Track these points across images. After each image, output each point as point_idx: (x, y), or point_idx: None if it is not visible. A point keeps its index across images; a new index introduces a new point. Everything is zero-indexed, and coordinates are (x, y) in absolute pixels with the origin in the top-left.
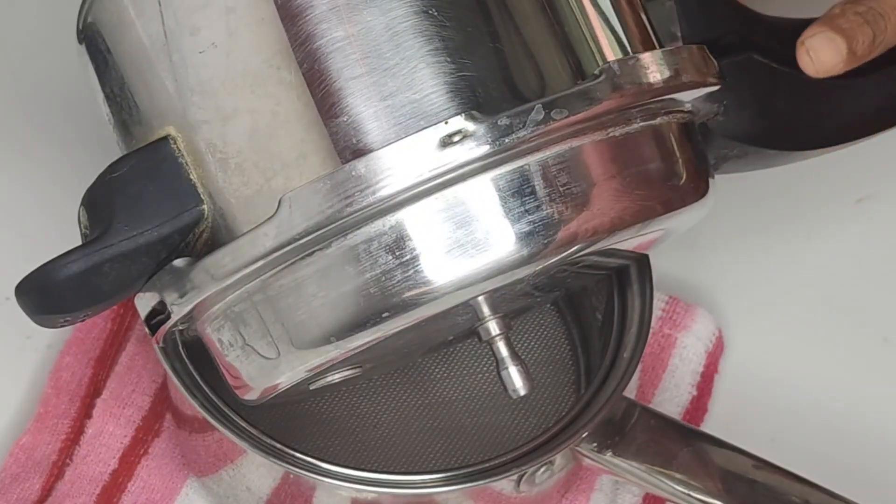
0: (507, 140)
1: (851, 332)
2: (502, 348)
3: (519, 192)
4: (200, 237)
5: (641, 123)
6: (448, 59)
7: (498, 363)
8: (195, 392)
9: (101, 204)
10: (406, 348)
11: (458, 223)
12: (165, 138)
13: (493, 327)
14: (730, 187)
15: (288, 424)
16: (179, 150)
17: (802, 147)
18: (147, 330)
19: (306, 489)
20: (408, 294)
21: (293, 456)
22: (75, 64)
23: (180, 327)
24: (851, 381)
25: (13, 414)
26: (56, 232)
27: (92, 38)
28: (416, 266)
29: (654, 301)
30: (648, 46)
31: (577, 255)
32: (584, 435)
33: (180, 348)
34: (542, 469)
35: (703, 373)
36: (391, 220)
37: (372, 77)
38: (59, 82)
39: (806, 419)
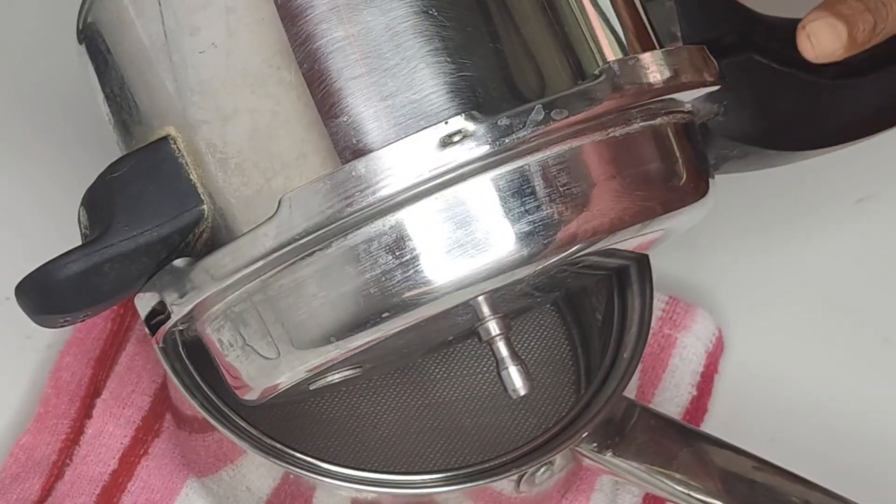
0: (507, 140)
1: (851, 332)
2: (502, 348)
3: (519, 192)
4: (200, 237)
5: (641, 124)
6: (448, 60)
7: (498, 363)
8: (195, 392)
9: (101, 204)
10: (406, 348)
11: (458, 223)
12: (165, 138)
13: (493, 327)
14: (730, 187)
15: (288, 424)
16: (179, 150)
17: (802, 147)
18: (147, 330)
19: (306, 489)
20: (408, 294)
21: (293, 456)
22: (75, 64)
23: (180, 327)
24: (851, 381)
25: (13, 414)
26: (56, 232)
27: (92, 38)
28: (416, 266)
29: (654, 301)
30: (648, 46)
31: (577, 255)
32: (584, 435)
33: (180, 348)
34: (542, 469)
35: (703, 373)
36: (391, 220)
37: (372, 77)
38: (59, 82)
39: (806, 419)
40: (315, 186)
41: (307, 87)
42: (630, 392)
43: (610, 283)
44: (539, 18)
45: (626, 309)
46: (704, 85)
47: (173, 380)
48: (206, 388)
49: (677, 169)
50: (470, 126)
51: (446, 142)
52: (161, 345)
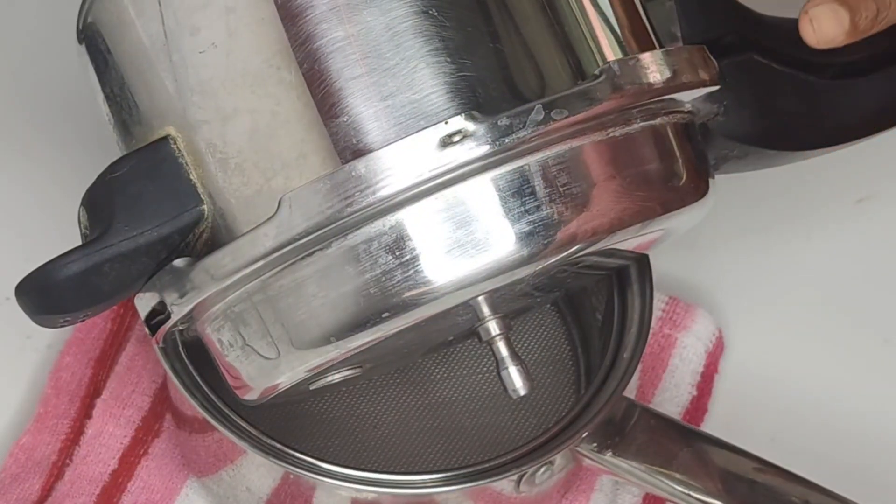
0: (507, 140)
1: (851, 332)
2: (502, 348)
3: (519, 192)
4: (200, 237)
5: (641, 124)
6: (448, 60)
7: (498, 363)
8: (195, 392)
9: (101, 204)
10: (406, 348)
11: (458, 223)
12: (165, 138)
13: (493, 327)
14: (730, 187)
15: (288, 425)
16: (179, 150)
17: (802, 147)
18: (147, 330)
19: (306, 489)
20: (408, 294)
21: (293, 456)
22: (75, 64)
23: (180, 327)
24: (851, 381)
25: (13, 414)
26: (56, 232)
27: (92, 38)
28: (416, 266)
29: (654, 301)
30: (648, 46)
31: (577, 255)
32: (584, 435)
33: (180, 348)
34: (542, 469)
35: (703, 373)
36: (391, 220)
37: (372, 77)
38: (59, 82)
39: (806, 419)
40: (315, 186)
41: (307, 87)
42: (630, 392)
43: (610, 283)
44: (539, 18)
45: (626, 309)
46: (704, 85)
47: (173, 380)
48: (206, 388)
49: (677, 169)
50: (470, 126)
51: (446, 142)
52: (161, 345)
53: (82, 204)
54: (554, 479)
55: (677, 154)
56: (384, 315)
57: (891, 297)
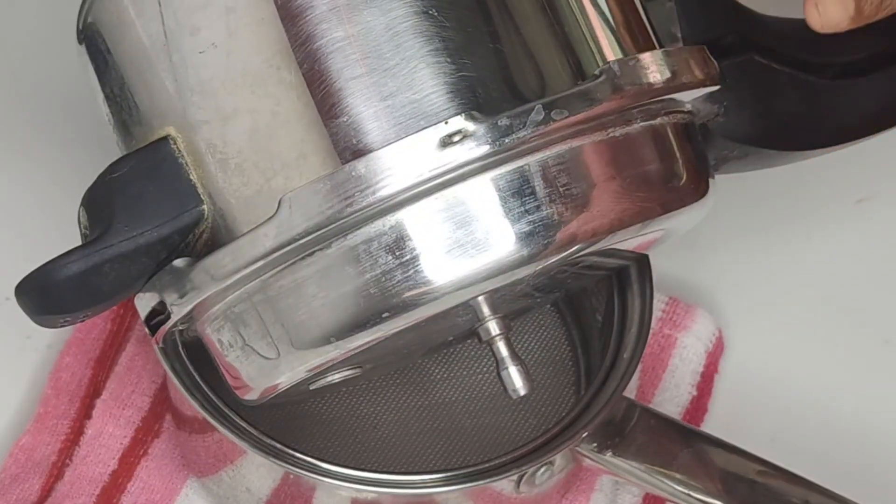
0: (507, 140)
1: (851, 332)
2: (502, 348)
3: (519, 193)
4: (200, 237)
5: (641, 124)
6: (448, 60)
7: (498, 363)
8: (195, 392)
9: (101, 204)
10: (406, 349)
11: (458, 223)
12: (165, 138)
13: (493, 327)
14: (730, 187)
15: (288, 425)
16: (179, 151)
17: (802, 147)
18: (147, 330)
19: (306, 489)
20: (408, 294)
21: (293, 456)
22: (75, 64)
23: (180, 328)
24: (851, 382)
25: (13, 414)
26: (56, 232)
27: (92, 38)
28: (416, 266)
29: (654, 301)
30: (648, 46)
31: (577, 255)
32: (584, 435)
33: (180, 349)
34: (542, 469)
35: (703, 373)
36: (391, 220)
37: (372, 77)
38: (59, 82)
39: (806, 419)
40: (315, 187)
41: (307, 88)
42: (630, 392)
43: (610, 284)
44: (539, 19)
45: (626, 309)
46: (704, 85)
47: (173, 380)
48: (206, 388)
49: (677, 169)
50: (470, 126)
51: (446, 142)
52: (161, 345)
53: (82, 204)
54: (554, 479)
55: (677, 154)
56: (384, 315)
57: (891, 297)
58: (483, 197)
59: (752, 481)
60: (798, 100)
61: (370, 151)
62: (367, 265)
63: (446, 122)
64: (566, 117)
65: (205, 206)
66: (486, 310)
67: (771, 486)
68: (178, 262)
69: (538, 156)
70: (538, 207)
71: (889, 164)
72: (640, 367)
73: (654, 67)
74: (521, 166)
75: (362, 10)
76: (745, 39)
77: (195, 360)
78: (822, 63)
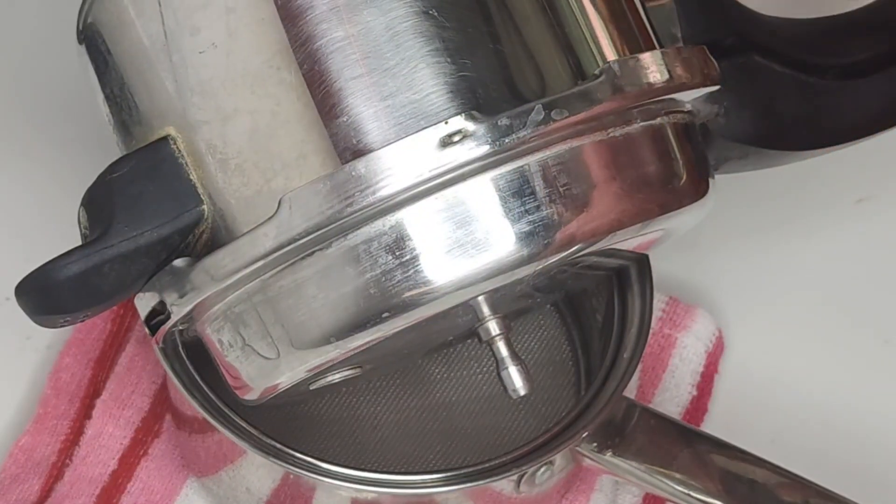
0: (507, 140)
1: (851, 332)
2: (502, 348)
3: (519, 193)
4: (200, 238)
5: (641, 124)
6: (448, 60)
7: (498, 363)
8: (195, 392)
9: (100, 204)
10: (406, 349)
11: (458, 223)
12: (165, 138)
13: (493, 327)
14: (730, 187)
15: (288, 426)
16: (179, 151)
17: (802, 147)
18: (147, 330)
19: (306, 489)
20: (408, 294)
21: (293, 456)
22: (75, 64)
23: (180, 328)
24: (851, 382)
25: (13, 414)
26: (56, 232)
27: (92, 39)
28: (416, 266)
29: (654, 301)
30: (648, 46)
31: (577, 255)
32: (584, 435)
33: (180, 349)
34: (543, 469)
35: (703, 373)
36: (391, 220)
37: (372, 77)
38: (59, 82)
39: (806, 419)
40: (315, 187)
41: (307, 88)
42: (630, 392)
43: (610, 284)
44: (539, 19)
45: (627, 309)
46: (704, 85)
47: (173, 380)
48: (206, 389)
49: (677, 169)
50: (470, 126)
51: (446, 142)
52: (161, 345)
53: (82, 204)
54: (554, 479)
55: (677, 154)
56: (384, 315)
57: (891, 297)
58: (483, 197)
59: (752, 481)
60: (798, 100)
61: (370, 151)
62: (367, 265)
63: (446, 122)
64: (566, 117)
65: (205, 207)
66: (486, 310)
67: (771, 486)
68: (178, 263)
69: (538, 156)
70: (538, 207)
71: (889, 164)
72: (640, 367)
73: (654, 67)
74: (521, 166)
75: (362, 10)
76: (745, 40)
77: (195, 360)
78: (822, 64)
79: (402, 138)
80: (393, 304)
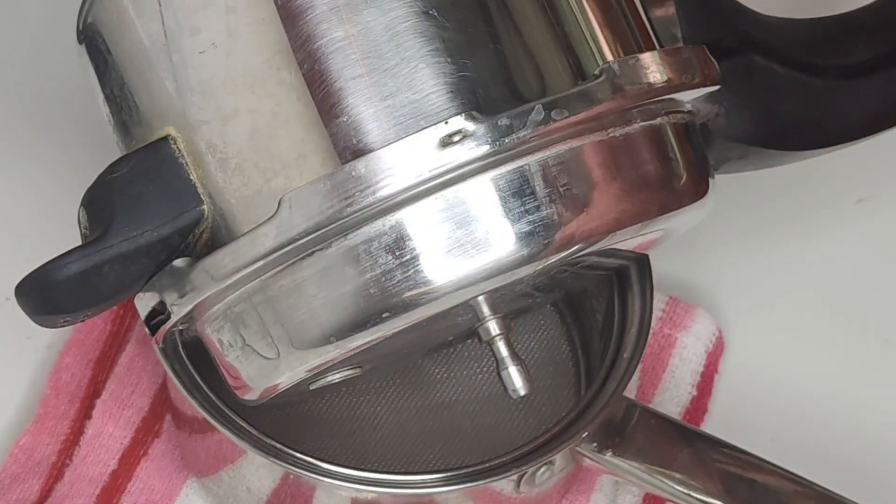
0: (507, 140)
1: (851, 332)
2: (502, 348)
3: (519, 193)
4: (200, 238)
5: (641, 124)
6: (448, 60)
7: (498, 363)
8: (195, 393)
9: (100, 204)
10: (406, 349)
11: (458, 223)
12: (165, 138)
13: (493, 327)
14: (730, 187)
15: (288, 425)
16: (179, 151)
17: (802, 147)
18: (147, 330)
19: (306, 489)
20: (408, 294)
21: (293, 456)
22: (75, 64)
23: (180, 328)
24: (851, 381)
25: (13, 414)
26: (56, 232)
27: (92, 39)
28: (416, 266)
29: (654, 301)
30: (648, 46)
31: (577, 255)
32: (584, 435)
33: (180, 349)
34: (543, 469)
35: (703, 373)
36: (391, 220)
37: (372, 77)
38: (60, 83)
39: (806, 419)
40: (315, 187)
41: (307, 88)
42: (630, 392)
43: (610, 284)
44: (539, 19)
45: (627, 309)
46: (704, 85)
47: (173, 380)
48: (206, 389)
49: (677, 169)
50: (470, 126)
51: (446, 142)
52: (161, 345)
53: (82, 204)
54: (554, 479)
55: (677, 154)
56: (384, 315)
57: (891, 297)
58: (483, 197)
59: (752, 481)
60: (798, 100)
61: (370, 151)
62: (367, 265)
63: (446, 122)
64: (566, 117)
65: (205, 206)
66: (486, 310)
67: (771, 486)
68: (178, 263)
69: (538, 156)
70: (538, 207)
71: (889, 164)
72: (640, 367)
73: (654, 67)
74: (521, 166)
75: (362, 10)
76: (745, 40)
77: (195, 360)
78: (822, 64)
79: (402, 138)
80: (393, 304)
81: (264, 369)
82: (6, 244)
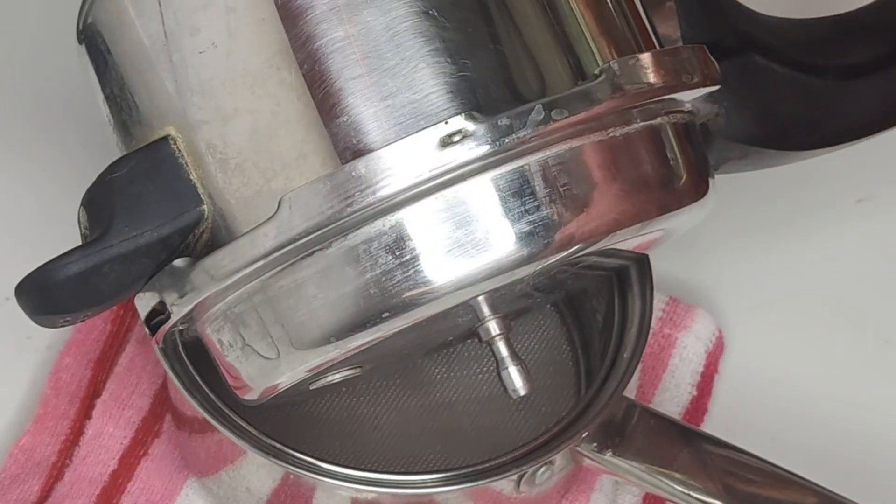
0: (507, 140)
1: (851, 332)
2: (502, 348)
3: (519, 192)
4: (200, 238)
5: (641, 124)
6: (448, 60)
7: (498, 363)
8: (195, 393)
9: (100, 204)
10: (406, 349)
11: (458, 223)
12: (165, 139)
13: (493, 327)
14: (730, 187)
15: (288, 426)
16: (179, 151)
17: (802, 147)
18: (147, 330)
19: (306, 489)
20: (408, 294)
21: (293, 456)
22: (75, 64)
23: (180, 328)
24: (851, 381)
25: (13, 415)
26: (56, 232)
27: (92, 39)
28: (416, 266)
29: (654, 301)
30: (648, 46)
31: (577, 255)
32: (584, 435)
33: (180, 349)
34: (543, 469)
35: (703, 373)
36: (391, 220)
37: (372, 77)
38: (60, 83)
39: (806, 419)
40: (315, 187)
41: (307, 88)
42: (630, 392)
43: (610, 284)
44: (539, 19)
45: (627, 309)
46: (704, 85)
47: (173, 380)
48: (206, 389)
49: (677, 169)
50: (470, 126)
51: (446, 142)
52: (161, 345)
53: (82, 204)
54: (554, 479)
55: (677, 154)
56: (384, 315)
57: (891, 297)
58: (483, 197)
59: (752, 481)
60: (798, 100)
61: (370, 151)
62: (367, 265)
63: (446, 122)
64: (566, 117)
65: (205, 207)
66: (486, 310)
67: (771, 486)
68: (178, 263)
69: (538, 156)
70: (538, 207)
71: (889, 164)
72: (640, 367)
73: (654, 67)
74: (521, 166)
75: (362, 10)
76: (745, 40)
77: (195, 360)
78: (822, 64)
79: (402, 138)
80: (393, 304)
81: (264, 369)
82: (6, 244)
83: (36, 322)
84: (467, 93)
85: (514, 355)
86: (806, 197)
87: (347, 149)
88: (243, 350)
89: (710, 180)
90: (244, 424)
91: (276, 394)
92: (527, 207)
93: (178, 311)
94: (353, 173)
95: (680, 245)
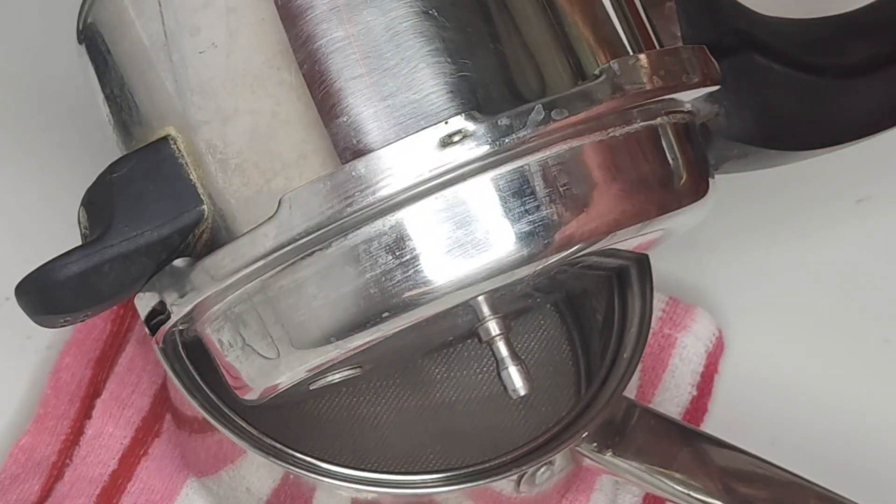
0: (507, 140)
1: (851, 332)
2: (502, 348)
3: (519, 192)
4: (200, 238)
5: (641, 124)
6: (448, 60)
7: (498, 363)
8: (195, 392)
9: (100, 204)
10: (406, 349)
11: (458, 223)
12: (165, 139)
13: (493, 327)
14: (730, 187)
15: (288, 425)
16: (179, 151)
17: (802, 147)
18: (147, 330)
19: (306, 490)
20: (408, 294)
21: (293, 456)
22: (75, 64)
23: (180, 328)
24: (851, 381)
25: (13, 414)
26: (56, 232)
27: (92, 39)
28: (416, 266)
29: (654, 301)
30: (648, 46)
31: (577, 255)
32: (584, 435)
33: (180, 349)
34: (542, 469)
35: (703, 373)
36: (391, 220)
37: (372, 77)
38: (60, 83)
39: (806, 419)
40: (315, 187)
41: (307, 88)
42: (630, 392)
43: (610, 284)
44: (539, 19)
45: (627, 309)
46: (704, 85)
47: (173, 380)
48: (206, 389)
49: (677, 169)
50: (470, 126)
51: (446, 142)
52: (161, 345)
53: (82, 204)
54: (554, 479)
55: (677, 154)
56: (384, 315)
57: (891, 297)
58: (483, 197)
59: (752, 481)
60: (798, 100)
61: (370, 151)
62: (367, 265)
63: (446, 122)
64: (566, 117)
65: (205, 207)
66: (486, 310)
67: (771, 486)
68: (178, 263)
69: (538, 156)
70: (538, 207)
71: (889, 164)
72: (640, 367)
73: (654, 67)
74: (521, 166)
75: (362, 10)
76: (745, 40)
77: (195, 360)
78: (822, 64)
79: (402, 138)
80: (393, 304)
81: (264, 369)
82: (6, 244)
83: (36, 322)
84: (467, 93)
85: (514, 355)
86: (806, 196)
87: (347, 149)
88: (243, 350)
89: (710, 180)
90: (244, 424)
91: (276, 394)
92: (527, 207)
93: (178, 311)
94: (353, 173)
95: (680, 245)
